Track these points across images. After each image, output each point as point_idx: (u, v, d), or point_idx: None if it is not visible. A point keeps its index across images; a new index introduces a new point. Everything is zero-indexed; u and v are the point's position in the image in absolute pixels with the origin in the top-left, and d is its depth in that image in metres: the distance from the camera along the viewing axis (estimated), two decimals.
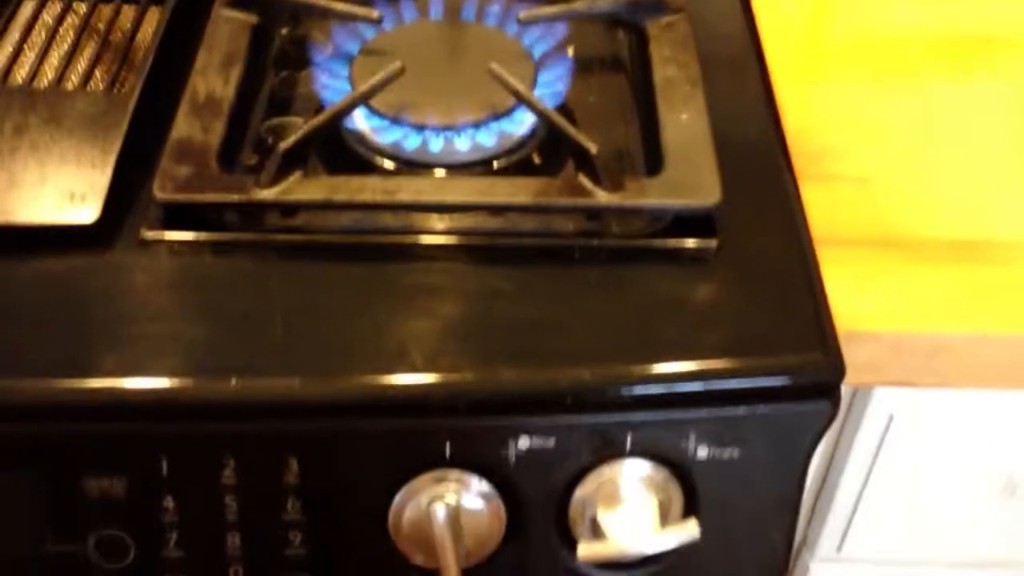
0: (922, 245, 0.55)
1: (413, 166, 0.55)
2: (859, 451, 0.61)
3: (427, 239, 0.52)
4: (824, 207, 0.55)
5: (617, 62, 0.64)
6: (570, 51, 0.61)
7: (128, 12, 0.61)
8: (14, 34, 0.59)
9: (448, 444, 0.47)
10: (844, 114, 0.61)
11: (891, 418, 0.59)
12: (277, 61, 0.62)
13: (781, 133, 0.58)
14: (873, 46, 0.66)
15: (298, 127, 0.53)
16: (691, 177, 0.52)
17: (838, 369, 0.48)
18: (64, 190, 0.51)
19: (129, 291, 0.49)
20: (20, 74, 0.57)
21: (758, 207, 0.54)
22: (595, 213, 0.52)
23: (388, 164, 0.55)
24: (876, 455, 0.61)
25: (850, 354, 0.49)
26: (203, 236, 0.51)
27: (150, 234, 0.51)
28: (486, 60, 0.55)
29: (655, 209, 0.52)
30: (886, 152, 0.59)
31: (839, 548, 0.66)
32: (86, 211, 0.50)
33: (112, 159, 0.52)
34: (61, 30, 0.60)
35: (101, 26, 0.60)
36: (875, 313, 0.52)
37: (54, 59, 0.58)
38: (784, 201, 0.55)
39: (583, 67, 0.61)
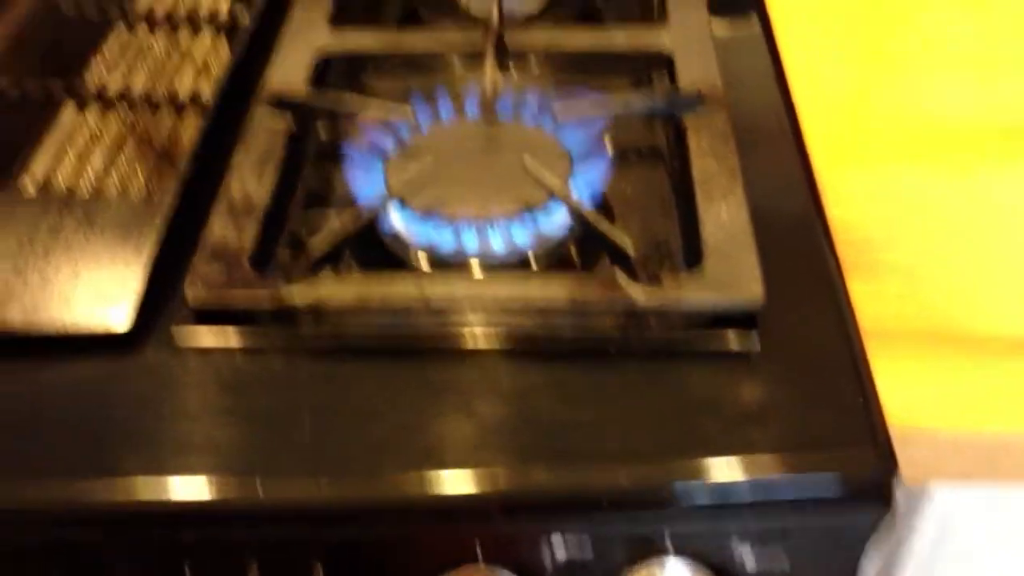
0: (977, 339, 0.52)
1: (447, 262, 0.54)
2: (917, 552, 0.58)
3: (460, 337, 0.51)
4: (873, 299, 0.53)
5: (655, 152, 0.63)
6: (608, 143, 0.60)
7: (169, 115, 0.62)
8: (55, 137, 0.61)
9: (479, 547, 0.45)
10: (890, 203, 0.59)
11: (949, 518, 0.56)
12: (313, 155, 0.62)
13: (825, 223, 0.57)
14: (918, 132, 0.64)
15: (332, 222, 0.53)
16: (732, 273, 0.50)
17: (890, 466, 0.46)
18: (97, 293, 0.51)
19: (157, 392, 0.49)
20: (60, 177, 0.58)
21: (803, 300, 0.52)
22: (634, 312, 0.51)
23: (421, 259, 0.54)
24: (934, 556, 0.57)
25: (905, 452, 0.47)
26: (234, 338, 0.51)
27: (181, 335, 0.51)
28: (522, 156, 0.55)
29: (695, 309, 0.50)
30: (935, 242, 0.57)
31: None
32: (118, 317, 0.50)
33: (146, 263, 0.52)
34: (101, 133, 0.61)
35: (141, 129, 0.61)
36: (931, 409, 0.50)
37: (93, 162, 0.59)
38: (830, 293, 0.53)
39: (620, 157, 0.60)
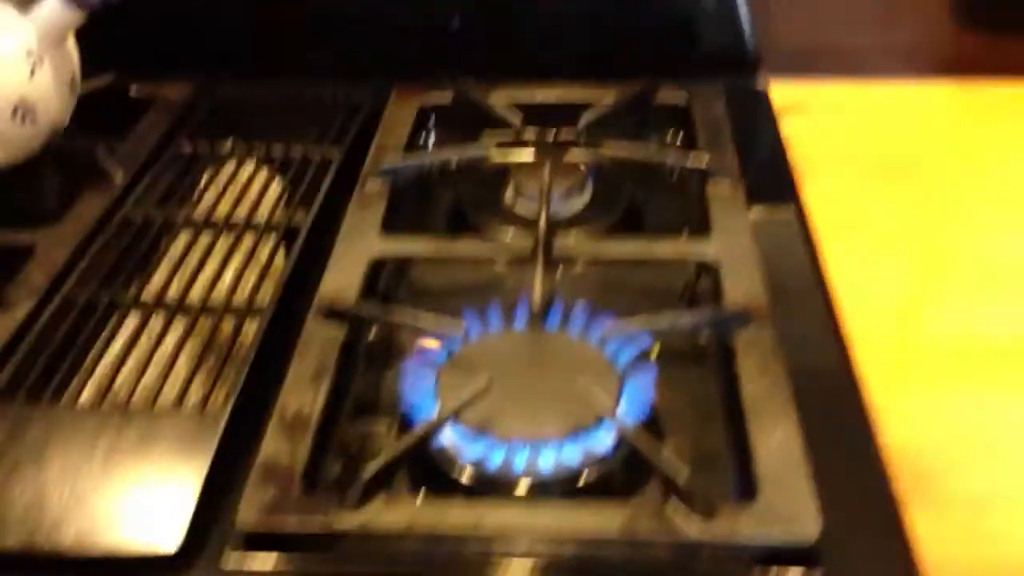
0: None
1: (494, 480, 0.53)
2: None
3: (508, 567, 0.50)
4: (937, 531, 0.52)
5: (702, 360, 0.62)
6: (655, 352, 0.60)
7: (227, 322, 0.63)
8: (114, 345, 0.62)
9: None
10: (948, 426, 0.58)
11: None
12: (364, 358, 0.63)
13: (881, 451, 0.55)
14: (972, 352, 0.64)
15: (382, 436, 0.54)
16: (788, 506, 0.49)
17: None
18: (148, 513, 0.51)
19: None
20: (117, 387, 0.58)
21: (861, 534, 0.51)
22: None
23: (469, 475, 0.54)
24: None
25: None
26: (282, 563, 0.50)
27: (228, 558, 0.50)
28: (571, 373, 0.56)
29: (750, 544, 0.49)
30: (999, 469, 0.56)
31: None
32: (167, 539, 0.49)
33: (198, 484, 0.52)
34: (159, 340, 0.62)
35: (199, 336, 0.62)
36: None
37: (150, 371, 0.59)
38: (890, 524, 0.51)
39: (668, 364, 0.60)
